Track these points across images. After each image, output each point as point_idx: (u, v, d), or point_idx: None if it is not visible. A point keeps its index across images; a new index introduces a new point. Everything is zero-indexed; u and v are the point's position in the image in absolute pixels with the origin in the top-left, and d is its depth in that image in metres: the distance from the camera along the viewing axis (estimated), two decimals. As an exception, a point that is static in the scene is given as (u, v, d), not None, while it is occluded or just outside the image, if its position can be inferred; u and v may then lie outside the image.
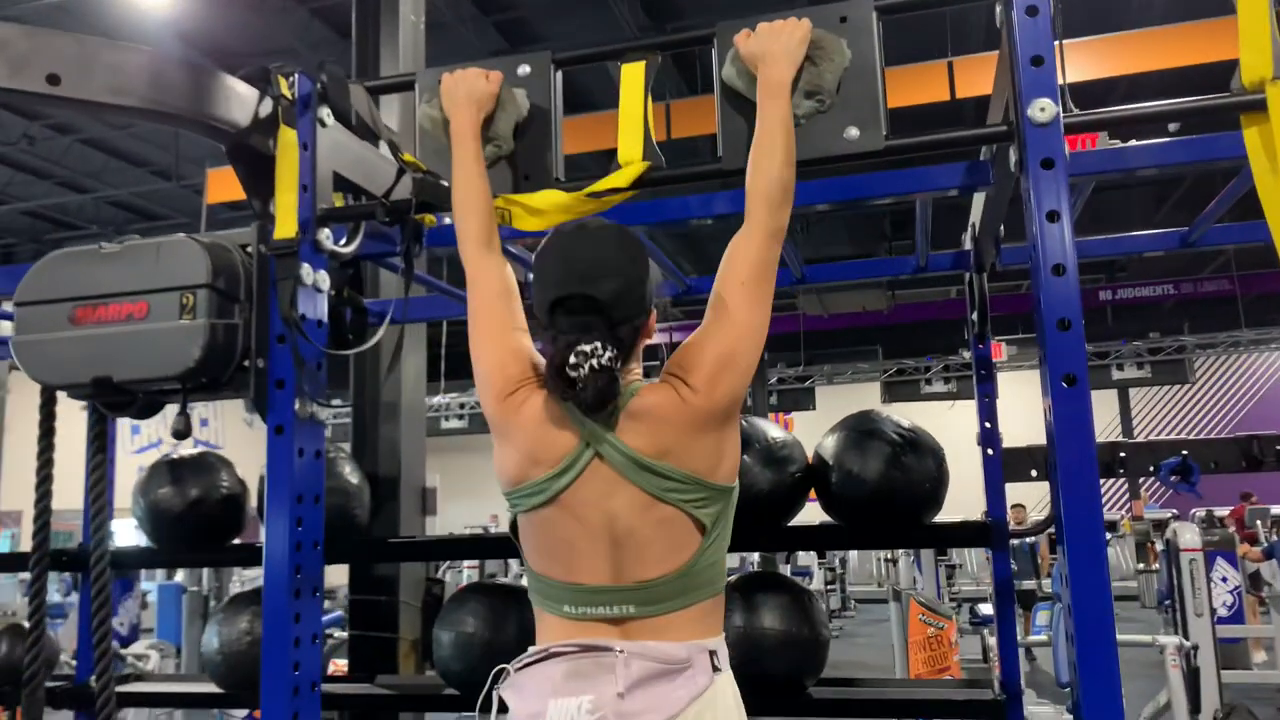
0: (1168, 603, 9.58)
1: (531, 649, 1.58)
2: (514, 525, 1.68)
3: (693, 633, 1.55)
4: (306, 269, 1.84)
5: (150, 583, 11.65)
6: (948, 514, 2.66)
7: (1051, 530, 2.01)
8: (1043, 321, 1.50)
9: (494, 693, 1.58)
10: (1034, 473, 2.96)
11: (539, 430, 1.59)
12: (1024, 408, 8.20)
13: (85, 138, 11.40)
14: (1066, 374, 1.46)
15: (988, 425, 2.65)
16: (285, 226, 1.80)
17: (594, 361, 1.48)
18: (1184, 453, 2.73)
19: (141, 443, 16.62)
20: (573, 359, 1.49)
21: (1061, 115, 1.54)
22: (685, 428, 1.55)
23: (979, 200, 2.40)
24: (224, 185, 9.99)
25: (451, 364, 9.44)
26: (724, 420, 1.58)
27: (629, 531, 1.54)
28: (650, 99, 1.85)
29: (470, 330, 1.74)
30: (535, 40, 9.47)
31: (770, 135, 1.65)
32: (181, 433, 1.81)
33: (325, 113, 1.92)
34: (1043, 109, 1.53)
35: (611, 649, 1.49)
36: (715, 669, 1.54)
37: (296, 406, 1.83)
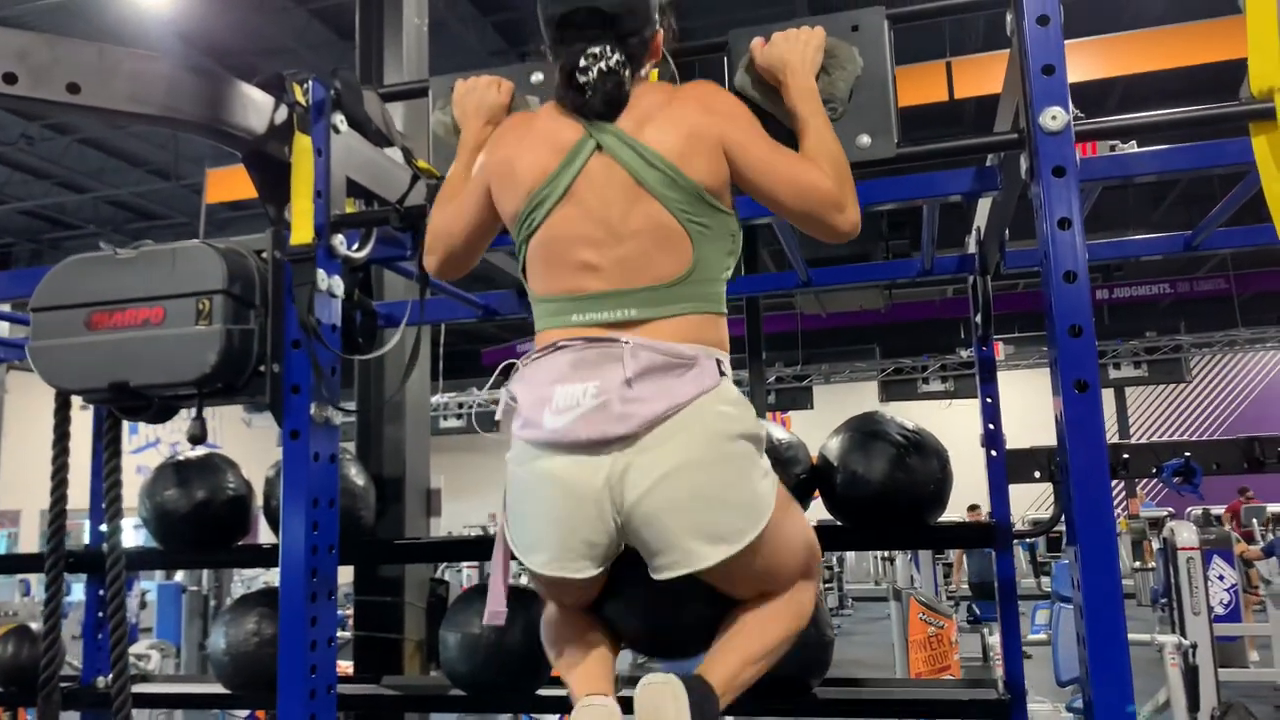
0: (1163, 601, 9.63)
1: (538, 348, 1.60)
2: (522, 267, 1.69)
3: (697, 337, 1.56)
4: (321, 274, 1.86)
5: (149, 582, 11.65)
6: (943, 512, 2.68)
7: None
8: (1054, 328, 1.51)
9: (505, 388, 1.60)
10: (1037, 474, 2.99)
11: (541, 132, 1.63)
12: (1021, 407, 8.23)
13: (84, 137, 11.40)
14: (1078, 380, 1.48)
15: (991, 427, 2.67)
16: (301, 232, 1.81)
17: (603, 64, 1.53)
18: (1187, 454, 2.76)
19: (139, 443, 16.62)
20: (582, 62, 1.54)
21: (1072, 123, 1.55)
22: (673, 120, 1.58)
23: (984, 205, 2.42)
24: (223, 185, 9.99)
25: (450, 363, 9.45)
26: (710, 149, 1.58)
27: (627, 230, 1.56)
28: (660, 82, 1.86)
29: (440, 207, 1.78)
30: (534, 41, 9.48)
31: (818, 135, 1.66)
32: (197, 437, 1.83)
33: (339, 119, 1.93)
34: (1054, 117, 1.55)
35: (618, 340, 1.51)
36: (722, 373, 1.56)
37: (312, 411, 1.84)
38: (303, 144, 1.85)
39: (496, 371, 1.64)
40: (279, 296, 1.86)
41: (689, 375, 1.51)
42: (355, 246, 2.02)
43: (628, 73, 1.56)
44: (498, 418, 1.61)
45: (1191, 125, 1.65)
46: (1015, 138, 1.66)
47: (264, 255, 1.92)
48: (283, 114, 1.86)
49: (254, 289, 1.87)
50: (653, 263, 1.56)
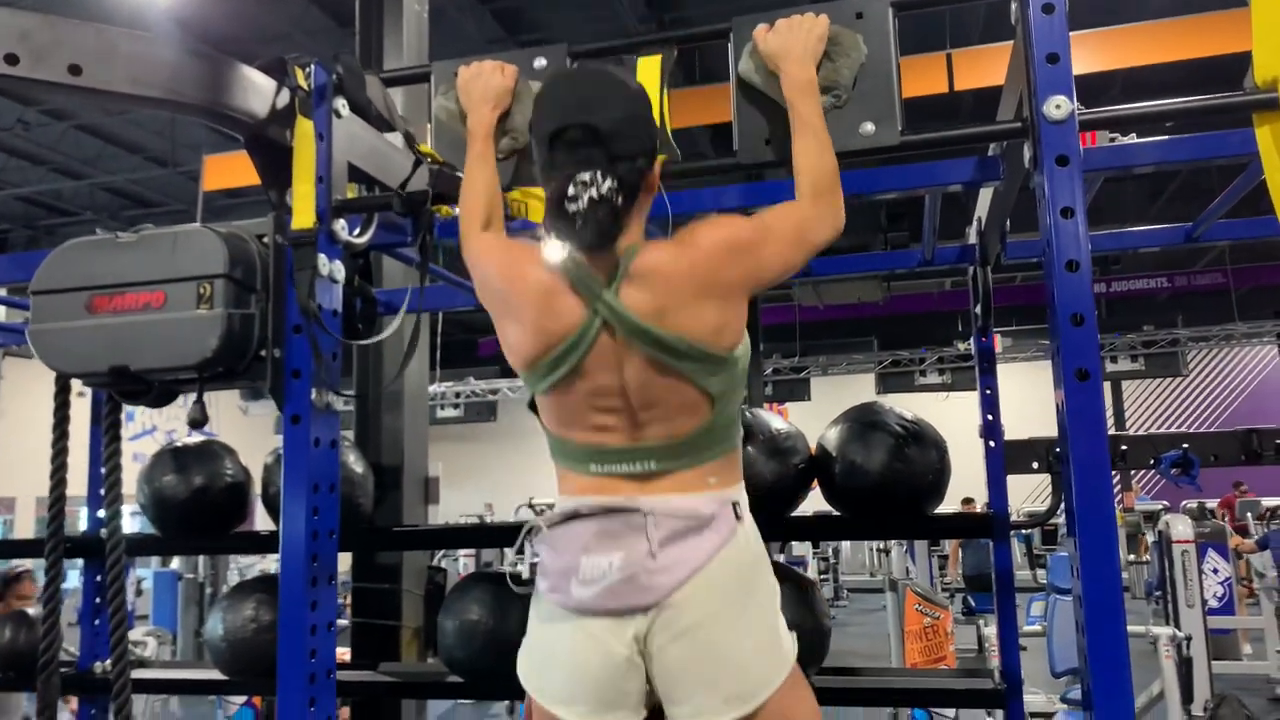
0: (1158, 594, 9.66)
1: (558, 505, 1.62)
2: (532, 401, 1.69)
3: (713, 484, 1.59)
4: (322, 259, 1.85)
5: (145, 569, 11.66)
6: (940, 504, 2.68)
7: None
8: (1056, 317, 1.52)
9: (528, 546, 1.66)
10: (1035, 465, 2.99)
11: (544, 301, 1.56)
12: (1019, 399, 8.24)
13: (81, 123, 11.36)
14: (1079, 369, 1.48)
15: (989, 418, 2.67)
16: (303, 217, 1.81)
17: (593, 191, 1.45)
18: (1185, 446, 2.76)
19: (136, 429, 16.60)
20: (571, 190, 1.45)
21: (1076, 112, 1.55)
22: (686, 289, 1.52)
23: (985, 194, 2.42)
24: (221, 172, 9.96)
25: (447, 353, 9.45)
26: (727, 293, 1.56)
27: (642, 395, 1.56)
28: (667, 92, 1.86)
29: (465, 238, 1.77)
30: (533, 29, 9.46)
31: (814, 130, 1.66)
32: (198, 421, 1.82)
33: (341, 104, 1.93)
34: (1058, 106, 1.55)
35: (639, 510, 1.53)
36: (738, 518, 1.59)
37: (313, 396, 1.84)
38: (304, 128, 1.84)
39: (521, 536, 1.70)
40: (280, 281, 1.86)
41: (707, 533, 1.55)
42: (356, 232, 2.01)
43: (620, 200, 1.47)
44: (525, 576, 1.70)
45: (1195, 115, 1.65)
46: (1019, 126, 1.66)
47: (265, 240, 1.91)
48: (284, 98, 1.85)
49: (255, 273, 1.86)
50: (670, 421, 1.58)
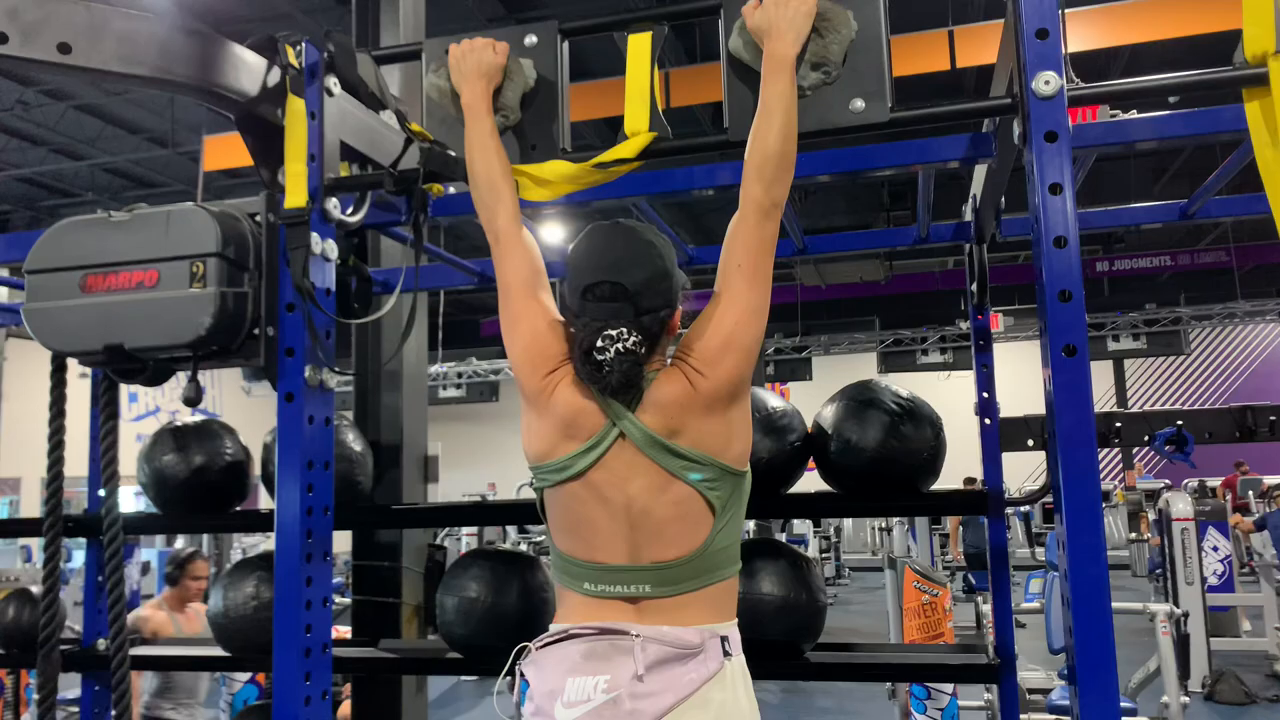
0: (1158, 572, 9.70)
1: (552, 628, 1.65)
2: (540, 503, 1.75)
3: (706, 617, 1.61)
4: (316, 238, 1.86)
5: (150, 550, 11.73)
6: (941, 482, 2.70)
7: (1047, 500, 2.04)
8: (1044, 293, 1.52)
9: (516, 667, 1.65)
10: (1030, 442, 3.00)
11: (572, 408, 1.65)
12: (1018, 378, 8.25)
13: (81, 104, 11.32)
14: (1066, 344, 1.49)
15: (985, 395, 2.68)
16: (295, 196, 1.81)
17: (619, 345, 1.56)
18: (1179, 423, 2.77)
19: (139, 410, 16.65)
20: (600, 343, 1.57)
21: (1065, 88, 1.55)
22: (695, 409, 1.62)
23: (980, 172, 2.42)
24: (221, 152, 9.93)
25: (449, 333, 9.45)
26: (730, 400, 1.64)
27: (646, 511, 1.61)
28: (657, 69, 1.85)
29: (504, 303, 1.78)
30: (531, 7, 9.40)
31: (769, 111, 1.67)
32: (192, 400, 1.84)
33: (332, 82, 1.92)
34: (1047, 82, 1.54)
35: (628, 632, 1.56)
36: (726, 654, 1.60)
37: (307, 374, 1.85)
38: (296, 107, 1.84)
39: (511, 656, 1.68)
40: (273, 260, 1.87)
41: (694, 663, 1.56)
42: (349, 211, 2.02)
43: (644, 351, 1.59)
44: (515, 702, 1.66)
45: (1186, 90, 1.65)
46: (1008, 103, 1.66)
47: (258, 218, 1.92)
48: (275, 76, 1.85)
49: (248, 252, 1.87)
50: (670, 540, 1.61)
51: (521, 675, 1.64)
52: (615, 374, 1.56)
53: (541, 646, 1.63)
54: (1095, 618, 1.46)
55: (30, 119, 11.52)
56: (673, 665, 1.55)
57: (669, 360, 1.69)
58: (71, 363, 2.40)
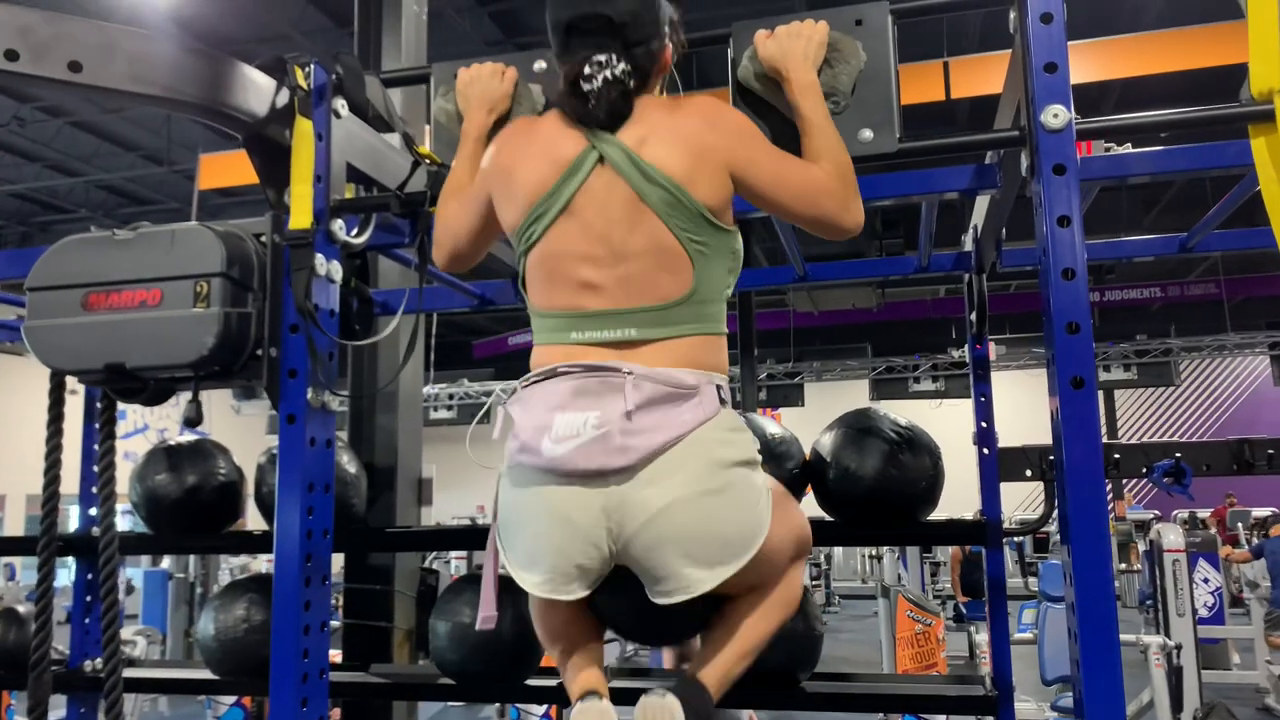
0: (1149, 603, 9.69)
1: (536, 369, 1.59)
2: (522, 276, 1.68)
3: (698, 362, 1.56)
4: (320, 259, 1.85)
5: (135, 569, 11.63)
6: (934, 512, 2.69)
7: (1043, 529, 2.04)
8: (1052, 325, 1.52)
9: (502, 409, 1.60)
10: (1029, 473, 3.00)
11: (545, 143, 1.60)
12: (1012, 407, 8.26)
13: (76, 120, 11.33)
14: (1074, 377, 1.49)
15: (984, 425, 2.68)
16: (301, 217, 1.81)
17: (608, 73, 1.51)
18: (1177, 455, 2.77)
19: (127, 428, 16.55)
20: (586, 70, 1.52)
21: (1074, 122, 1.56)
22: (678, 137, 1.56)
23: (982, 202, 2.43)
24: (216, 171, 9.95)
25: (441, 354, 9.43)
26: (715, 166, 1.57)
27: (629, 248, 1.55)
28: (665, 95, 1.86)
29: (456, 205, 1.78)
30: (531, 31, 9.46)
31: (821, 132, 1.66)
32: (193, 420, 1.82)
33: (340, 104, 1.93)
34: (1056, 115, 1.55)
35: (620, 369, 1.50)
36: (722, 400, 1.57)
37: (309, 395, 1.84)
38: (303, 128, 1.85)
39: (490, 400, 1.62)
40: (277, 280, 1.86)
41: (689, 404, 1.51)
42: (354, 232, 2.01)
43: (633, 83, 1.54)
44: (495, 435, 1.60)
45: (1192, 126, 1.66)
46: (1016, 135, 1.67)
47: (263, 239, 1.91)
48: (284, 97, 1.85)
49: (252, 272, 1.86)
50: (654, 282, 1.55)
51: (507, 414, 1.59)
52: (602, 104, 1.50)
53: (528, 385, 1.57)
54: (1103, 649, 1.45)
55: (26, 135, 11.52)
56: (666, 404, 1.49)
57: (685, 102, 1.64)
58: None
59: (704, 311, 1.58)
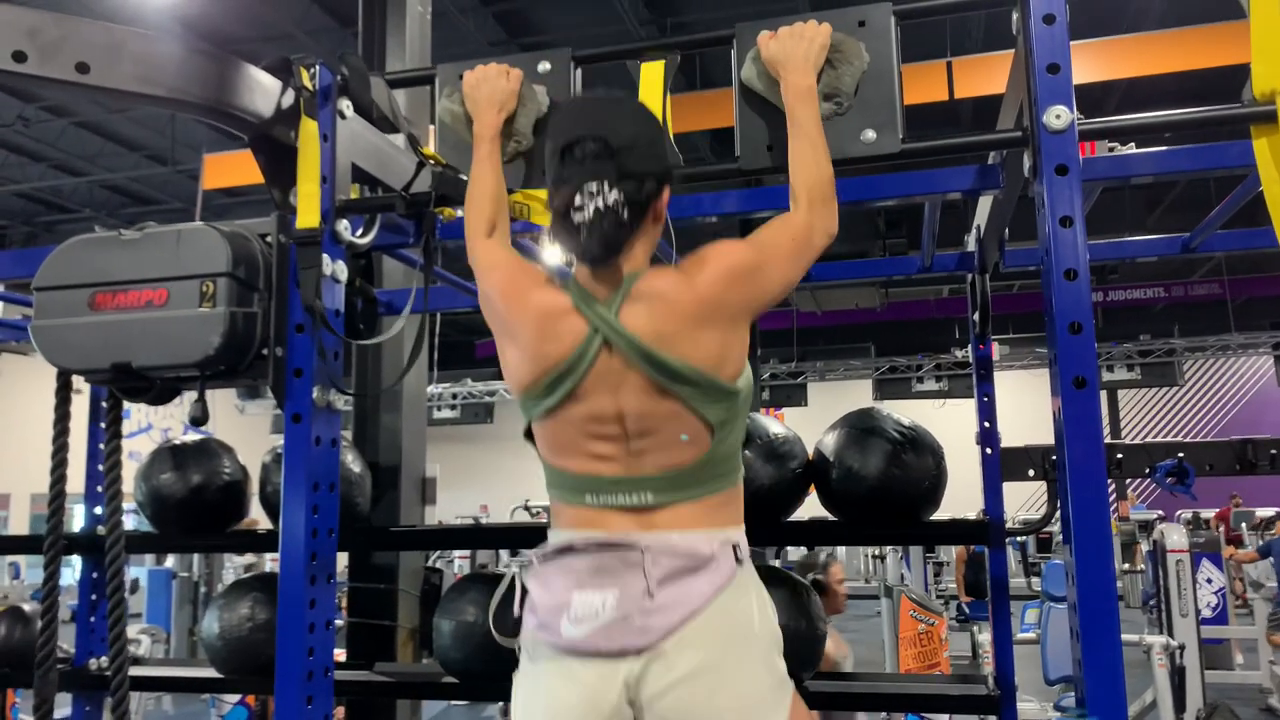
0: (1152, 603, 9.68)
1: (552, 539, 1.57)
2: (528, 430, 1.67)
3: (713, 521, 1.54)
4: (326, 259, 1.86)
5: (139, 568, 11.64)
6: (936, 512, 2.69)
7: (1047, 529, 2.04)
8: (1054, 325, 1.53)
9: (516, 579, 1.59)
10: (1031, 473, 3.00)
11: (545, 324, 1.56)
12: (1014, 407, 8.25)
13: (81, 120, 11.36)
14: (1077, 377, 1.49)
15: (986, 425, 2.68)
16: (308, 217, 1.82)
17: (599, 201, 1.44)
18: (1180, 455, 2.77)
19: (131, 427, 16.56)
20: (578, 199, 1.45)
21: (1076, 122, 1.57)
22: (688, 314, 1.51)
23: (985, 203, 2.43)
24: (220, 171, 9.97)
25: (444, 354, 9.44)
26: (730, 320, 1.55)
27: (640, 422, 1.52)
28: (669, 97, 1.87)
29: (480, 255, 1.76)
30: (534, 31, 9.47)
31: (810, 137, 1.66)
32: (199, 419, 1.83)
33: (345, 105, 1.94)
34: (1058, 116, 1.56)
35: (636, 545, 1.48)
36: (738, 560, 1.54)
37: (315, 395, 1.85)
38: (309, 129, 1.85)
39: (507, 578, 1.62)
40: (283, 280, 1.87)
41: (705, 573, 1.50)
42: (359, 232, 2.02)
43: (626, 214, 1.46)
44: (515, 612, 1.60)
45: (1194, 126, 1.67)
46: (1019, 135, 1.68)
47: (268, 239, 1.92)
48: (289, 98, 1.86)
49: (258, 272, 1.87)
50: (669, 450, 1.54)
51: (523, 588, 1.58)
52: (594, 236, 1.44)
53: (545, 559, 1.56)
54: (1105, 649, 1.46)
55: (30, 135, 11.55)
56: (683, 578, 1.48)
57: (674, 266, 1.61)
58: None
59: (721, 469, 1.57)
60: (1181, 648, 6.07)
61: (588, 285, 1.55)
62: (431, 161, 1.96)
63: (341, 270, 1.93)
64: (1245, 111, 1.57)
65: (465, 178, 1.93)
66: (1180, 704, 5.81)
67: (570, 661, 1.49)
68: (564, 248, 1.51)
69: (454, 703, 8.37)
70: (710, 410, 1.53)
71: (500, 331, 1.65)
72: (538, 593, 1.55)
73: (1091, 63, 8.03)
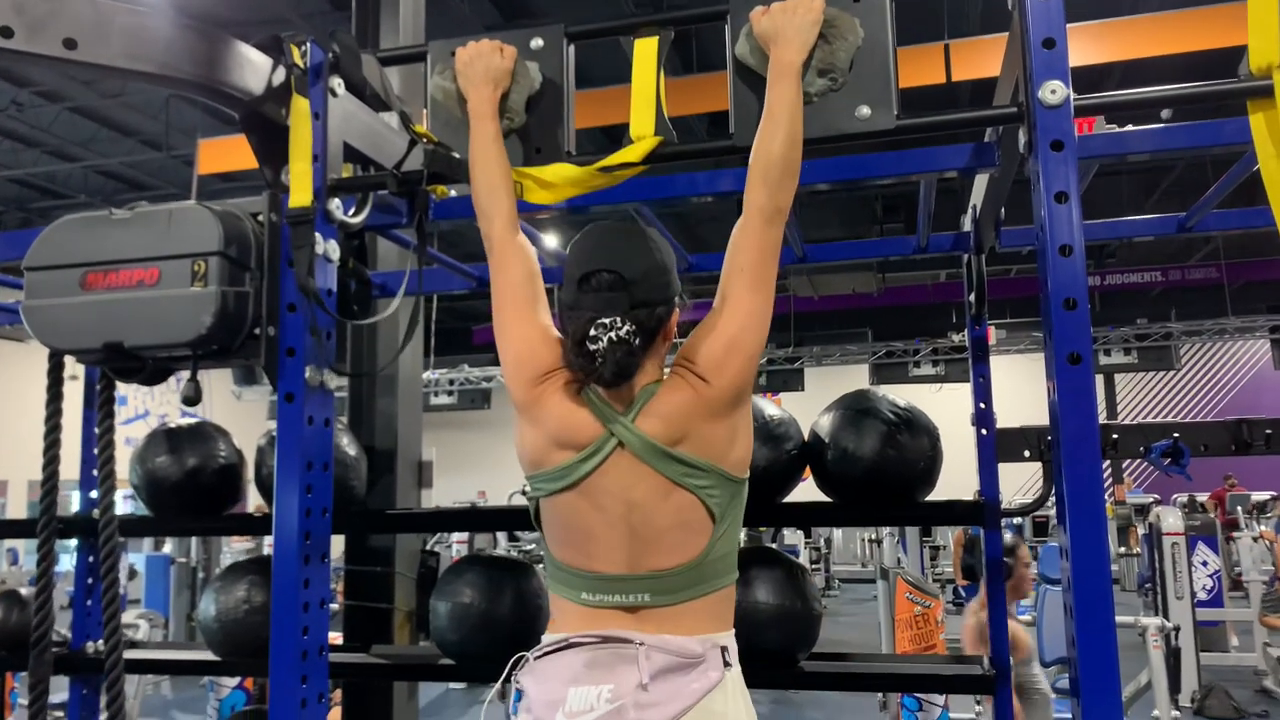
0: (1147, 586, 9.72)
1: (549, 637, 1.62)
2: (535, 511, 1.73)
3: (705, 626, 1.60)
4: (319, 238, 1.85)
5: (137, 554, 11.66)
6: (933, 496, 2.69)
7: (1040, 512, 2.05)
8: (1049, 301, 1.52)
9: (513, 679, 1.62)
10: (1026, 453, 3.00)
11: (565, 417, 1.64)
12: (1011, 391, 8.25)
13: (75, 105, 11.29)
14: (1071, 353, 1.49)
15: (982, 406, 2.68)
16: (300, 195, 1.80)
17: (613, 334, 1.54)
18: (1175, 435, 2.78)
19: (128, 414, 16.57)
20: (592, 331, 1.54)
21: (1071, 98, 1.56)
22: (699, 416, 1.60)
23: (980, 182, 2.42)
24: (215, 156, 9.92)
25: (441, 340, 9.42)
26: (734, 405, 1.63)
27: (646, 520, 1.59)
28: (662, 74, 1.86)
29: (497, 312, 1.77)
30: (528, 14, 9.41)
31: (775, 116, 1.67)
32: (192, 399, 1.82)
33: (337, 82, 1.92)
34: (1053, 91, 1.55)
35: (631, 641, 1.54)
36: (726, 664, 1.59)
37: (308, 374, 1.84)
38: (300, 107, 1.84)
39: (509, 666, 1.64)
40: (275, 259, 1.86)
41: (696, 673, 1.55)
42: (352, 212, 2.01)
43: (638, 341, 1.57)
44: (506, 712, 1.62)
45: (1190, 102, 1.66)
46: (1014, 111, 1.67)
47: (260, 218, 1.91)
48: (280, 76, 1.85)
49: (250, 251, 1.86)
50: (669, 549, 1.59)
51: (517, 686, 1.62)
52: (608, 364, 1.54)
53: (540, 656, 1.60)
54: (1098, 627, 1.46)
55: (24, 120, 11.48)
56: (676, 675, 1.53)
57: (668, 369, 1.68)
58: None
59: (717, 568, 1.62)
60: (1177, 629, 6.09)
61: (606, 397, 1.64)
62: (424, 139, 1.95)
63: (334, 250, 1.91)
64: (1242, 86, 1.56)
65: (458, 155, 1.91)
66: (1175, 686, 5.84)
67: None
68: (580, 371, 1.59)
69: (451, 686, 8.41)
70: (718, 501, 1.61)
71: (519, 408, 1.72)
72: (533, 688, 1.59)
73: (1090, 44, 8.00)
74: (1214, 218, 2.61)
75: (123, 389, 2.03)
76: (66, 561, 3.11)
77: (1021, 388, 10.32)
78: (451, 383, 16.04)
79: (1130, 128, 2.14)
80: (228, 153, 9.74)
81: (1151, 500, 13.68)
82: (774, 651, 2.54)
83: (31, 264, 1.89)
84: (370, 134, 2.05)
